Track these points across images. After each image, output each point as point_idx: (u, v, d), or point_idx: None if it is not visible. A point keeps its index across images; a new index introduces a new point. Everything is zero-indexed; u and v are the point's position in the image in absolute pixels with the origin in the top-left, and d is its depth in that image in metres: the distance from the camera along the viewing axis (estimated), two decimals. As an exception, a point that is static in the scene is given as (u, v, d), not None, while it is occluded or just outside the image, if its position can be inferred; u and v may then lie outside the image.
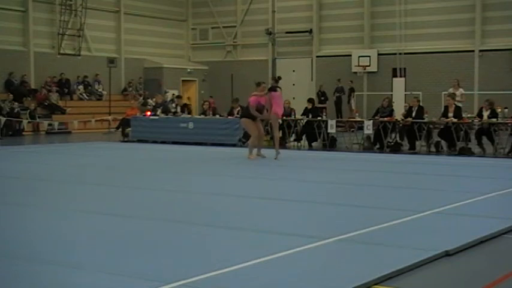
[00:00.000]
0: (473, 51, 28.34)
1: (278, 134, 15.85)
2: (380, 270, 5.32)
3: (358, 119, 20.22)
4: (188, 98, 29.95)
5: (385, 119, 17.76)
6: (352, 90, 29.33)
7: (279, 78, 15.69)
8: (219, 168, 13.53)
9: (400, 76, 28.86)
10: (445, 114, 17.06)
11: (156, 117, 21.21)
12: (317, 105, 23.31)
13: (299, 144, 19.23)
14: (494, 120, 16.31)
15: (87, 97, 29.87)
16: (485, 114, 16.58)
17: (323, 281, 5.16)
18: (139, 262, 5.66)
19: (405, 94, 26.91)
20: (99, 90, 30.47)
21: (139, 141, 20.90)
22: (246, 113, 15.34)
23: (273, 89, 15.01)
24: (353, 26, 30.91)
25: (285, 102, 20.09)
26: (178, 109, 21.65)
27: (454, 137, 16.62)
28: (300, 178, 11.92)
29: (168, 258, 5.79)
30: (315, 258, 5.87)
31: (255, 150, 15.14)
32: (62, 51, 29.10)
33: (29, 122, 25.61)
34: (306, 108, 19.39)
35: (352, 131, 20.67)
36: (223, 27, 34.47)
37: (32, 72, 28.36)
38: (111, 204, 8.92)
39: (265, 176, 12.32)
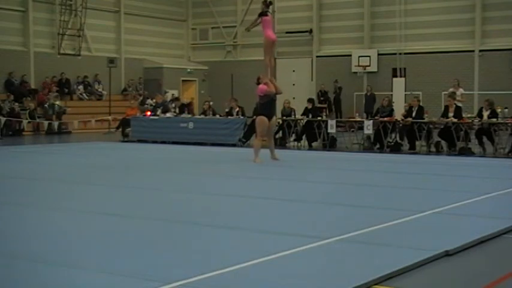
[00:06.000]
0: (473, 51, 28.33)
1: (271, 61, 15.12)
2: (380, 270, 5.31)
3: (358, 119, 20.23)
4: (192, 99, 29.84)
5: (385, 119, 17.76)
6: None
7: (270, 3, 14.99)
8: (218, 168, 13.52)
9: (400, 76, 28.85)
10: (445, 114, 17.07)
11: (156, 117, 21.22)
12: (317, 105, 23.33)
13: (299, 144, 19.23)
14: (494, 120, 16.32)
15: (87, 97, 29.87)
16: (485, 114, 16.58)
17: (323, 281, 5.16)
18: (139, 262, 5.66)
19: (405, 94, 26.90)
20: (99, 90, 30.48)
21: (139, 141, 20.91)
22: (261, 111, 14.46)
23: (264, 13, 14.55)
24: (353, 26, 30.90)
25: (285, 102, 20.14)
26: (177, 110, 21.64)
27: (454, 137, 16.62)
28: (300, 178, 11.92)
29: (167, 258, 5.78)
30: (315, 258, 5.87)
31: (262, 155, 14.32)
32: (62, 51, 29.10)
33: (29, 122, 25.61)
34: (306, 108, 19.40)
35: (352, 131, 20.67)
36: (223, 27, 34.47)
37: (32, 72, 28.36)
38: (111, 204, 8.92)
39: (265, 175, 12.31)
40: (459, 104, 17.94)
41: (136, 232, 6.98)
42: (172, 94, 28.98)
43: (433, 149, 17.16)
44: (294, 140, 19.45)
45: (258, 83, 14.95)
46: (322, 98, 29.32)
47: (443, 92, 23.03)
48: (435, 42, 28.91)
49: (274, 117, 14.80)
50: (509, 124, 16.55)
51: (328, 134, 18.62)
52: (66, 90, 29.13)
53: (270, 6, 15.01)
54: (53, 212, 8.27)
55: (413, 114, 17.42)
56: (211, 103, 21.50)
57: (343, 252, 6.11)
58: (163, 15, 34.01)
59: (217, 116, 20.69)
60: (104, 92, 30.14)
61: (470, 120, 17.05)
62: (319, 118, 18.91)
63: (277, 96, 14.81)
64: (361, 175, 12.38)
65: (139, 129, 21.37)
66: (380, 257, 5.90)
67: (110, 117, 27.54)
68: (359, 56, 30.23)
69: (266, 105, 14.37)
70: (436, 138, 17.36)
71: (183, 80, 33.65)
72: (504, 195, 9.71)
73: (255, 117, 15.07)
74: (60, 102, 27.25)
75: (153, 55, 33.27)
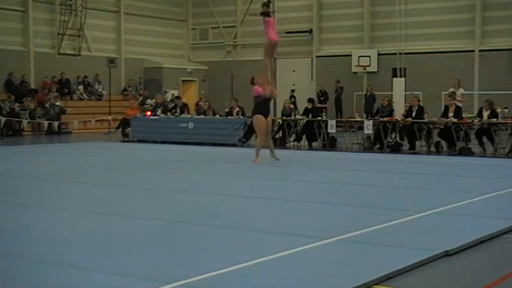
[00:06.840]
0: (473, 51, 28.35)
1: (272, 62, 15.05)
2: (380, 270, 5.31)
3: (358, 119, 20.23)
4: (200, 98, 29.76)
5: (385, 119, 17.76)
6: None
7: (269, 1, 14.75)
8: (218, 168, 13.52)
9: (400, 76, 28.86)
10: (445, 114, 17.07)
11: (156, 117, 21.22)
12: (317, 105, 23.33)
13: (299, 144, 19.22)
14: (494, 120, 16.32)
15: (87, 97, 29.87)
16: (485, 114, 16.58)
17: (323, 281, 5.15)
18: (139, 262, 5.66)
19: (405, 94, 26.91)
20: (99, 90, 30.48)
21: (139, 141, 20.90)
22: (257, 109, 14.53)
23: (267, 14, 14.34)
24: (353, 26, 30.91)
25: (285, 102, 20.13)
26: (178, 110, 21.63)
27: (454, 137, 16.62)
28: (300, 178, 11.91)
29: (167, 258, 5.78)
30: (315, 258, 5.86)
31: (262, 155, 14.30)
32: (62, 51, 29.11)
33: (29, 122, 25.62)
34: (306, 108, 19.39)
35: (352, 131, 20.66)
36: (223, 27, 34.47)
37: (32, 72, 28.36)
38: (111, 204, 8.91)
39: (265, 176, 12.31)
40: (459, 104, 17.95)
41: (136, 232, 6.98)
42: (172, 94, 28.98)
43: (433, 149, 17.16)
44: (294, 140, 19.44)
45: (253, 83, 14.98)
46: (322, 98, 29.34)
47: (443, 92, 23.04)
48: (435, 42, 28.92)
49: (269, 116, 14.86)
50: (509, 124, 16.55)
51: (328, 134, 18.61)
52: (66, 90, 29.14)
53: (270, 5, 14.93)
54: (53, 212, 8.26)
55: (413, 114, 17.42)
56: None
57: (343, 252, 6.11)
58: (163, 15, 34.01)
59: (217, 116, 20.69)
60: (104, 92, 30.15)
61: (470, 120, 17.05)
62: (319, 118, 18.90)
63: (277, 96, 14.86)
64: (361, 175, 12.37)
65: (139, 129, 21.37)
66: (380, 257, 5.90)
67: (110, 117, 27.55)
68: (359, 56, 30.23)
69: (261, 104, 14.49)
70: (436, 138, 17.35)
71: (183, 80, 33.65)
72: (504, 195, 9.70)
73: (252, 114, 15.09)
74: (60, 102, 27.27)
75: (153, 55, 33.28)
